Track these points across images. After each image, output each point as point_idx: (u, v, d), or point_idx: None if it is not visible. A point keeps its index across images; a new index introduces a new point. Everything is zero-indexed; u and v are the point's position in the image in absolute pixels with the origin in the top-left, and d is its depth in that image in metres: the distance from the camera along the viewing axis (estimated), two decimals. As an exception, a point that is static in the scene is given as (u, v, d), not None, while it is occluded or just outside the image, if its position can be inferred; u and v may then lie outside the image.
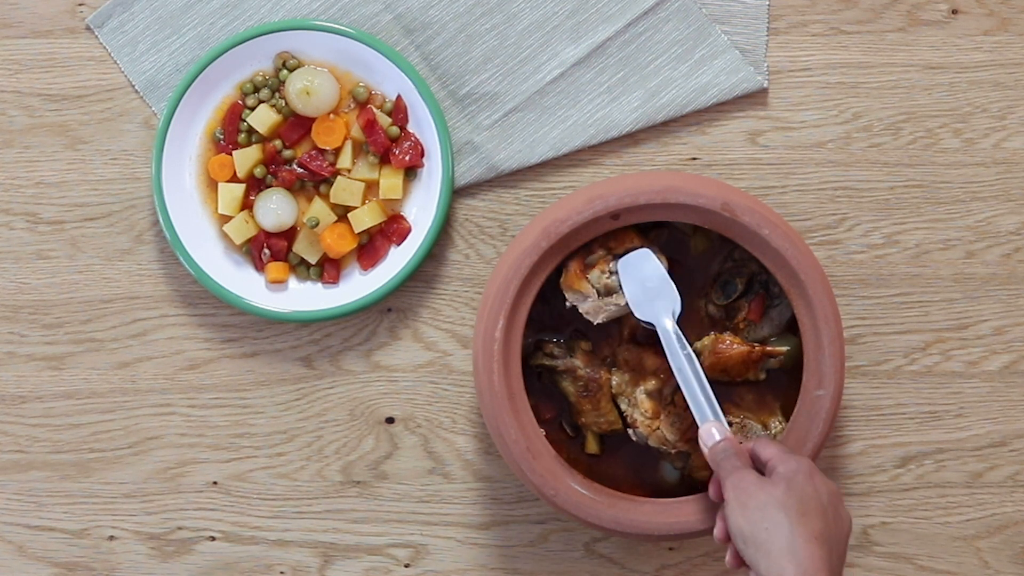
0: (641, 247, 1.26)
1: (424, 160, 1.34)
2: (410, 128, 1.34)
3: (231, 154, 1.33)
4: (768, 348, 1.27)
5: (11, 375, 1.37)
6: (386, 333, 1.36)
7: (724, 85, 1.35)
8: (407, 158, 1.33)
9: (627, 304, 1.26)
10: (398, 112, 1.33)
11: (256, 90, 1.34)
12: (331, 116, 1.33)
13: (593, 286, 1.27)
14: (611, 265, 1.26)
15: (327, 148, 1.34)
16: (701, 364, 1.27)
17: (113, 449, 1.37)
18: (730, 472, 1.18)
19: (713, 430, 1.21)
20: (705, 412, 1.23)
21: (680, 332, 1.24)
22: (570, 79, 1.35)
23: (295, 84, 1.32)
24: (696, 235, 1.31)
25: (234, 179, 1.34)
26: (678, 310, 1.25)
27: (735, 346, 1.27)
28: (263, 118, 1.33)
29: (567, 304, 1.27)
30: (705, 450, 1.21)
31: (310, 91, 1.32)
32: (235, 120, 1.33)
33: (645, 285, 1.26)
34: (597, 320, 1.27)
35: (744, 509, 1.15)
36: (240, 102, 1.34)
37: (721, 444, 1.21)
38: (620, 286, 1.26)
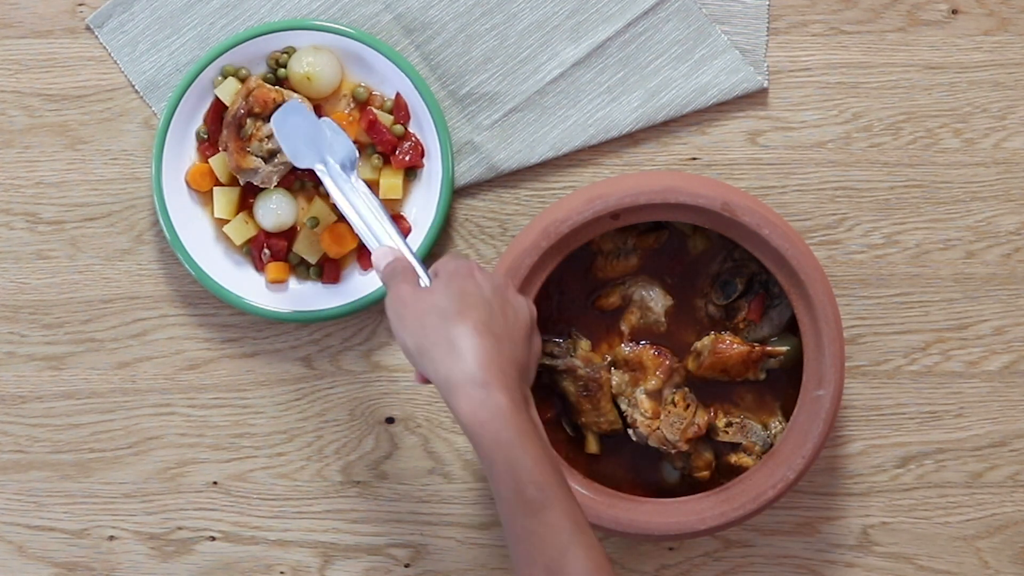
0: (283, 101, 1.29)
1: (424, 160, 1.34)
2: (410, 128, 1.34)
3: (208, 161, 1.33)
4: (768, 348, 1.27)
5: (11, 375, 1.37)
6: (386, 333, 1.36)
7: (724, 85, 1.35)
8: (407, 158, 1.33)
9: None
10: (399, 110, 1.33)
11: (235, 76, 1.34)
12: (348, 114, 1.33)
13: (257, 156, 1.30)
14: (265, 130, 1.29)
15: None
16: (701, 363, 1.27)
17: (113, 449, 1.37)
18: (391, 288, 1.16)
19: (385, 252, 1.20)
20: (376, 240, 1.22)
21: (340, 168, 1.25)
22: (570, 79, 1.35)
23: (295, 69, 1.32)
24: (696, 235, 1.31)
25: (232, 182, 1.34)
26: (331, 150, 1.26)
27: (735, 346, 1.27)
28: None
29: (241, 182, 1.32)
30: (378, 275, 1.19)
31: (311, 76, 1.32)
32: (219, 119, 1.33)
33: (299, 136, 1.26)
34: (272, 185, 1.31)
35: (402, 321, 1.12)
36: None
37: (390, 265, 1.18)
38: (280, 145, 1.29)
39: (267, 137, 1.31)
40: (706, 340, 1.28)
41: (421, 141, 1.33)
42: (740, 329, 1.30)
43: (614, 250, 1.30)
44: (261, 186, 1.32)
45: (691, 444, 1.28)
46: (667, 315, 1.30)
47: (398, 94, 1.33)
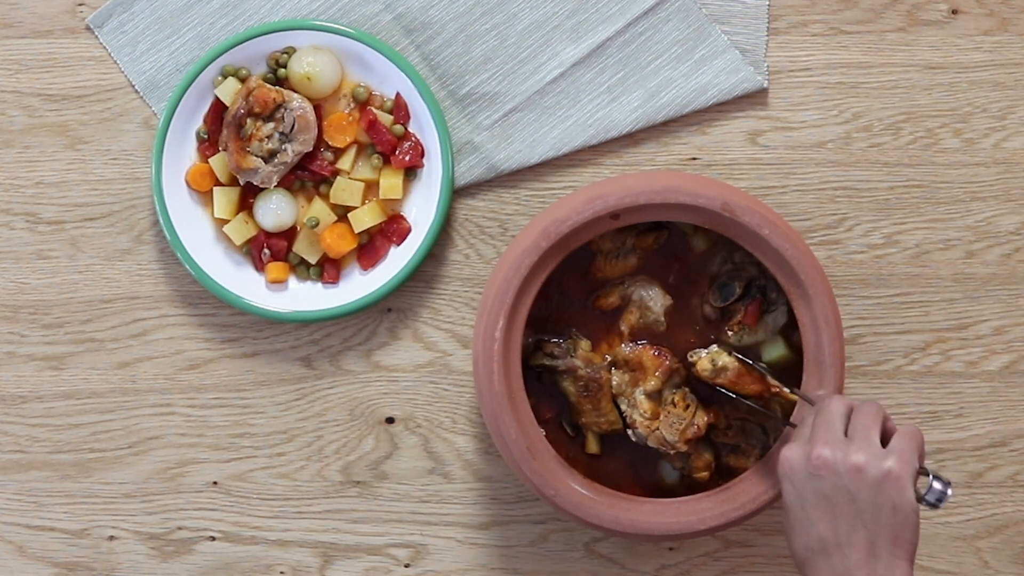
0: (283, 101, 1.29)
1: (424, 160, 1.34)
2: (410, 128, 1.34)
3: (208, 161, 1.33)
4: (778, 389, 1.26)
5: (11, 375, 1.37)
6: (386, 333, 1.36)
7: (724, 85, 1.35)
8: (407, 158, 1.33)
9: (294, 156, 1.30)
10: (399, 110, 1.33)
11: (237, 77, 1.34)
12: (348, 114, 1.33)
13: (257, 156, 1.30)
14: (265, 130, 1.29)
15: (339, 146, 1.33)
16: (717, 375, 1.26)
17: (113, 449, 1.37)
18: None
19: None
20: None
21: None
22: (570, 79, 1.35)
23: (295, 69, 1.32)
24: (697, 234, 1.31)
25: (232, 182, 1.34)
26: None
27: (749, 384, 1.27)
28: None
29: (241, 182, 1.32)
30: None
31: (311, 76, 1.32)
32: (219, 119, 1.33)
33: None
34: (272, 184, 1.31)
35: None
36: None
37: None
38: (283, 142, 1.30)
39: (267, 137, 1.31)
40: (728, 359, 1.27)
41: (421, 141, 1.33)
42: (734, 332, 1.30)
43: (613, 250, 1.30)
44: (261, 186, 1.32)
45: (690, 445, 1.28)
46: (666, 314, 1.30)
47: (398, 94, 1.33)
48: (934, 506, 1.10)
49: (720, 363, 1.26)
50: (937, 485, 1.10)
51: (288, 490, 1.37)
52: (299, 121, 1.31)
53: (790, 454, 1.11)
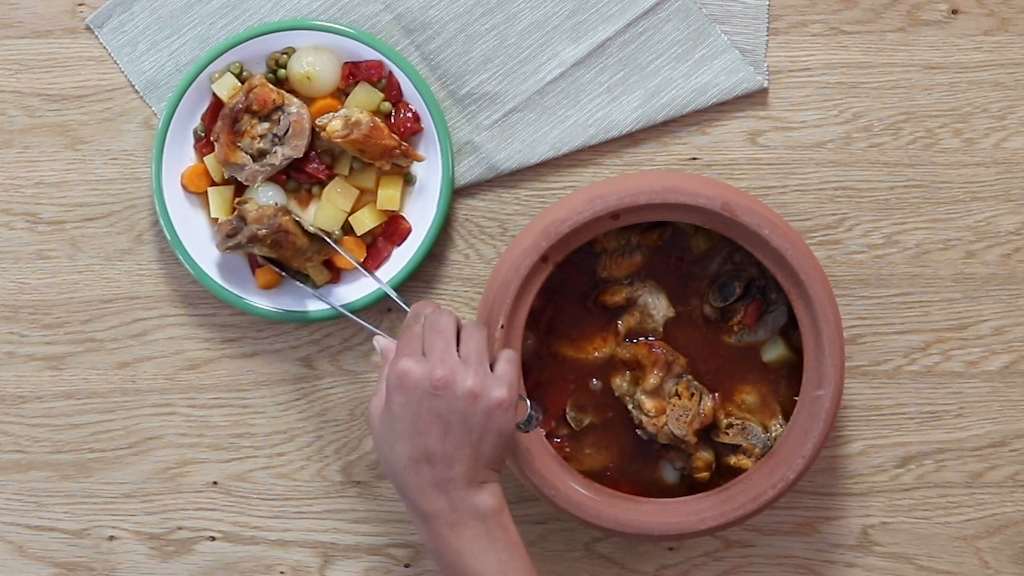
0: (283, 103, 1.29)
1: (422, 124, 1.33)
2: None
3: (203, 161, 1.33)
4: (405, 149, 1.29)
5: (11, 375, 1.37)
6: (386, 333, 1.36)
7: (724, 85, 1.35)
8: (408, 126, 1.32)
9: (282, 160, 1.30)
10: (390, 88, 1.33)
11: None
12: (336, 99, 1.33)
13: (247, 152, 1.30)
14: (259, 128, 1.29)
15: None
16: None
17: (113, 449, 1.37)
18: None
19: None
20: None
21: None
22: (570, 79, 1.35)
23: (295, 68, 1.32)
24: (698, 234, 1.31)
25: (224, 181, 1.34)
26: None
27: (381, 140, 1.29)
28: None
29: (225, 175, 1.31)
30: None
31: (311, 76, 1.32)
32: (216, 118, 1.33)
33: None
34: (256, 184, 1.31)
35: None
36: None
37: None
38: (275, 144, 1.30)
39: (260, 136, 1.30)
40: (363, 116, 1.28)
41: (416, 109, 1.32)
42: (734, 331, 1.30)
43: (618, 248, 1.30)
44: (245, 184, 1.32)
45: (698, 436, 1.28)
46: (666, 325, 1.30)
47: (390, 73, 1.32)
48: (526, 430, 1.21)
49: (354, 118, 1.28)
50: (532, 412, 1.21)
51: (288, 490, 1.37)
52: (294, 126, 1.31)
53: (409, 367, 1.17)
